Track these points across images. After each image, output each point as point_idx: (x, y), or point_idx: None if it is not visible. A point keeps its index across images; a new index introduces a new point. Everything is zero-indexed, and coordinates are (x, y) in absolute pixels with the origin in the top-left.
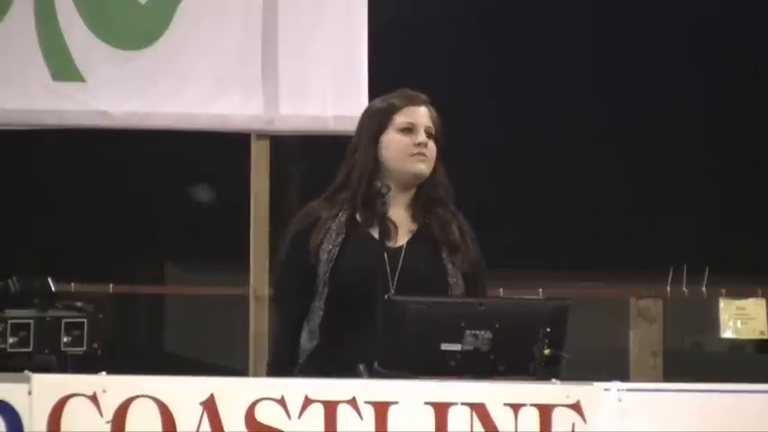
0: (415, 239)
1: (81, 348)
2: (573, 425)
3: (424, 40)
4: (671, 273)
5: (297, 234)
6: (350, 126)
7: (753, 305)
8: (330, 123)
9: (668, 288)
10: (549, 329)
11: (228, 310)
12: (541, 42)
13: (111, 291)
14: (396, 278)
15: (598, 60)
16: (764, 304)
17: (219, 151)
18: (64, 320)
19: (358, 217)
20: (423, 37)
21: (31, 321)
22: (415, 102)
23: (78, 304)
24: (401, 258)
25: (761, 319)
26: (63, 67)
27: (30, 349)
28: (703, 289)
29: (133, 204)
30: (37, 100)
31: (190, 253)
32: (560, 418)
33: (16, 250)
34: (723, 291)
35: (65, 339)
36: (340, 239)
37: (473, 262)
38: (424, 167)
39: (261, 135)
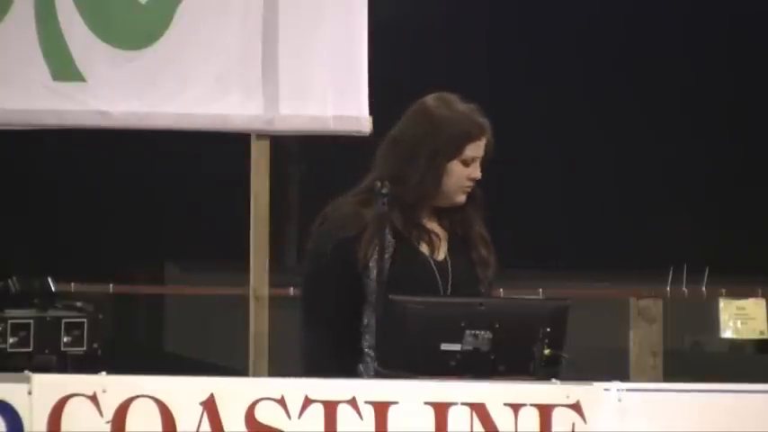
0: (451, 250)
1: (81, 348)
2: (573, 425)
3: (425, 40)
4: (671, 273)
5: (343, 241)
6: (350, 126)
7: (753, 305)
8: (330, 123)
9: (668, 288)
10: (549, 329)
11: (228, 310)
12: (541, 42)
13: (111, 291)
14: (448, 291)
15: (598, 59)
16: (764, 304)
17: (219, 151)
18: (64, 320)
19: (401, 225)
20: (423, 37)
21: (31, 321)
22: (484, 134)
23: (78, 304)
24: (450, 271)
25: (761, 319)
26: (63, 67)
27: (30, 349)
28: (703, 289)
29: (133, 204)
30: (37, 100)
31: (190, 253)
32: (560, 418)
33: (16, 250)
34: (723, 291)
35: (65, 339)
36: (390, 251)
37: (493, 274)
38: (464, 199)
39: (261, 135)
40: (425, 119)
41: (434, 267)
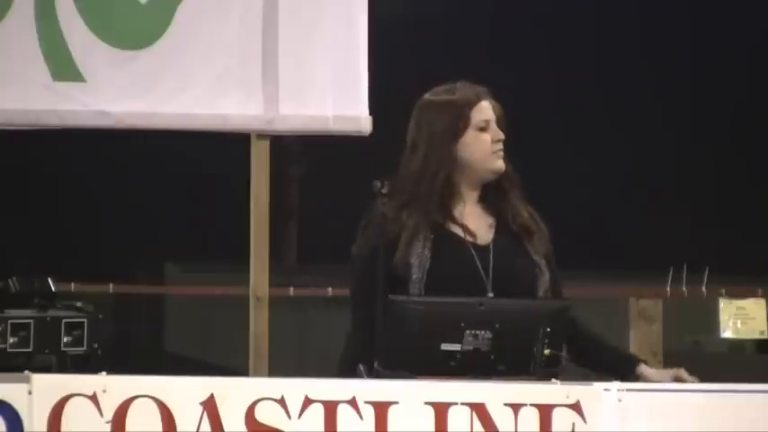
0: (497, 233)
1: (81, 348)
2: (573, 425)
3: (425, 40)
4: (671, 273)
5: (377, 248)
6: (350, 126)
7: (753, 305)
8: (330, 123)
9: (668, 288)
10: (549, 329)
11: (228, 310)
12: (543, 42)
13: (111, 291)
14: (491, 276)
15: (600, 60)
16: (764, 304)
17: (220, 151)
18: (64, 320)
19: (438, 219)
20: (423, 36)
21: (31, 321)
22: (485, 96)
23: (78, 304)
24: (491, 256)
25: (761, 319)
26: (63, 67)
27: (30, 349)
28: (703, 289)
29: (133, 204)
30: (37, 100)
31: (190, 253)
32: (560, 418)
33: (16, 250)
34: (723, 291)
35: (65, 339)
36: (429, 246)
37: (547, 243)
38: (502, 163)
39: (261, 135)
40: (429, 107)
41: (474, 253)
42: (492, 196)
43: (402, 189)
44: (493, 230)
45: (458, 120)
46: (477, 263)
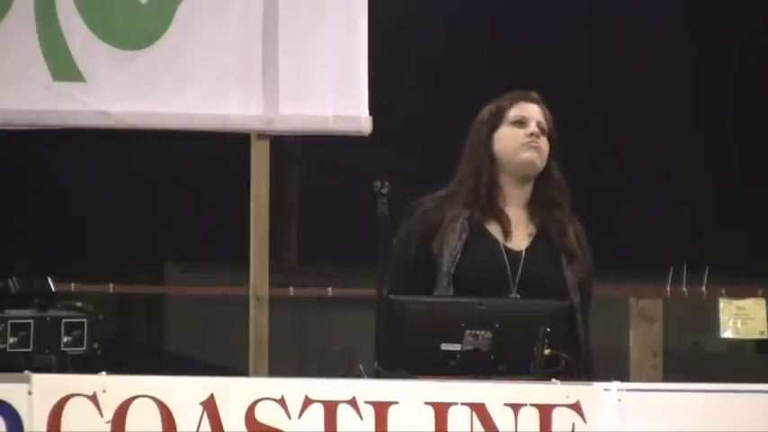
0: (535, 242)
1: (81, 348)
2: (573, 425)
3: (425, 40)
4: (671, 273)
5: (424, 236)
6: (350, 126)
7: (753, 305)
8: (330, 123)
9: (668, 288)
10: (548, 329)
11: (228, 310)
12: (544, 41)
13: (111, 291)
14: (517, 281)
15: (600, 61)
16: (764, 304)
17: (219, 151)
18: (64, 320)
19: (477, 215)
20: (424, 37)
21: (31, 321)
22: (526, 98)
23: (78, 304)
24: (522, 261)
25: (761, 319)
26: (63, 67)
27: (30, 349)
28: (703, 289)
29: (133, 204)
30: (37, 100)
31: (190, 253)
32: (560, 418)
33: (16, 250)
34: (723, 291)
35: (65, 339)
36: (464, 239)
37: (587, 269)
38: (535, 156)
39: (261, 135)
40: (477, 118)
41: (505, 254)
42: (538, 204)
43: (453, 185)
44: (531, 239)
45: (493, 119)
46: (507, 265)
